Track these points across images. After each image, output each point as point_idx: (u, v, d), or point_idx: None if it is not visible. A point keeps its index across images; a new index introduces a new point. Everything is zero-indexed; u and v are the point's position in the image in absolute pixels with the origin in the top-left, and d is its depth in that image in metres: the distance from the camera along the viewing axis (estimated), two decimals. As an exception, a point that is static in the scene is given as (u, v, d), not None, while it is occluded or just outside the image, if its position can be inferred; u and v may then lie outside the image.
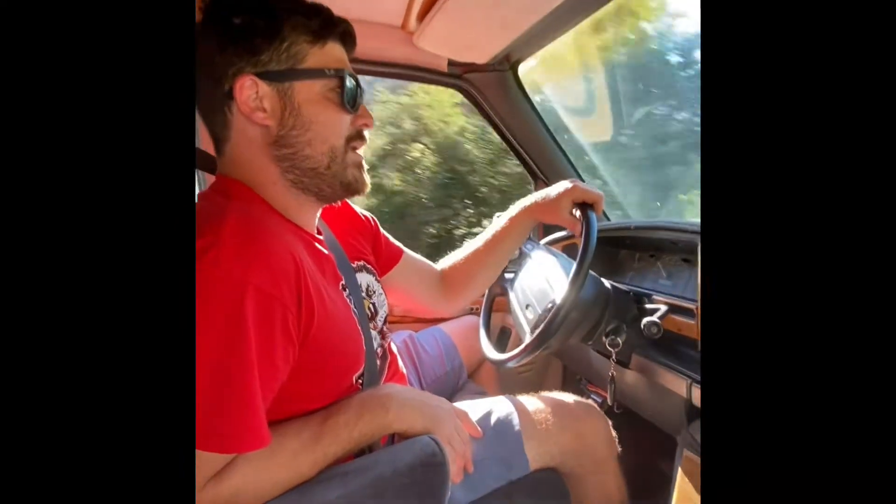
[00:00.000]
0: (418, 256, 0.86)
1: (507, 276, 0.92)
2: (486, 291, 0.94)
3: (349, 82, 0.55)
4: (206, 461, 0.44)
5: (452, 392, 0.94)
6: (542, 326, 0.67)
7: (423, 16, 0.95)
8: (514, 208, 0.81)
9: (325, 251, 0.60)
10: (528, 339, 0.70)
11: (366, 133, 0.59)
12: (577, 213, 0.74)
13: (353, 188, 0.58)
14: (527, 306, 0.80)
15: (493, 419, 0.66)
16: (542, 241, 1.14)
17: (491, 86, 1.18)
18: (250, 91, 0.52)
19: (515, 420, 0.66)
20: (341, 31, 0.56)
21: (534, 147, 1.26)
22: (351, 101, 0.56)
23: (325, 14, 0.55)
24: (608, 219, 1.27)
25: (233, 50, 0.52)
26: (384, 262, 0.79)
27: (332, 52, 0.56)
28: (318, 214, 0.63)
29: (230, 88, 0.52)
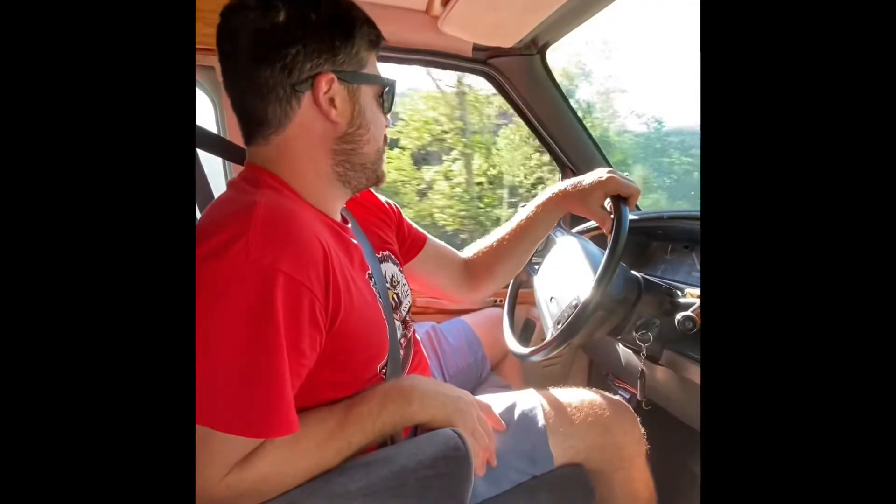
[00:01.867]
0: (442, 243, 0.84)
1: (534, 263, 0.89)
2: (511, 282, 0.92)
3: (392, 91, 0.60)
4: (233, 445, 0.44)
5: (475, 384, 0.93)
6: (565, 323, 0.65)
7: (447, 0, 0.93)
8: (542, 196, 0.77)
9: (353, 241, 0.60)
10: (550, 334, 0.68)
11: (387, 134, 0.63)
12: (609, 206, 0.70)
13: (381, 179, 0.62)
14: (551, 299, 0.78)
15: (516, 413, 0.65)
16: (574, 230, 1.11)
17: (517, 71, 1.15)
18: (326, 87, 0.53)
19: (540, 414, 0.64)
20: (373, 38, 0.58)
21: (562, 135, 1.22)
22: (388, 109, 0.61)
23: (376, 26, 0.58)
24: (639, 209, 1.23)
25: (315, 46, 0.52)
26: (408, 249, 0.78)
27: (374, 61, 0.59)
28: (344, 204, 0.62)
29: (310, 83, 0.52)
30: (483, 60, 1.13)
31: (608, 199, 0.70)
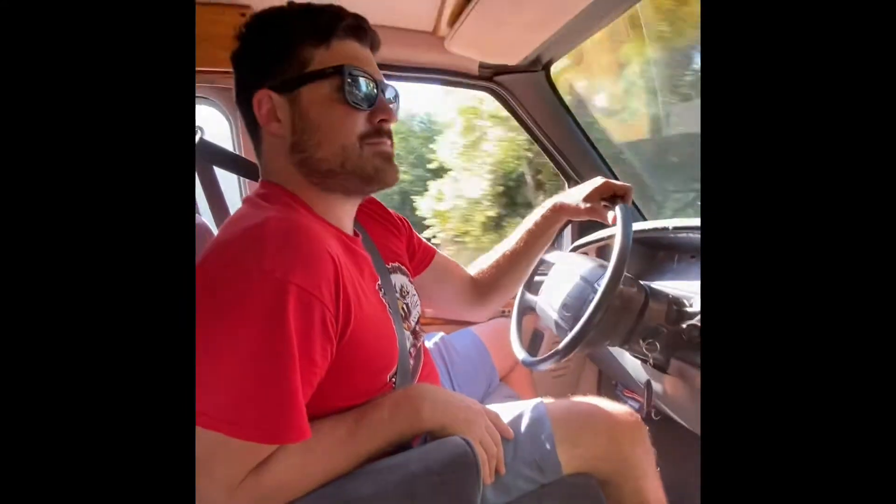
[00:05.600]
0: (450, 260, 0.86)
1: (537, 282, 0.91)
2: (518, 294, 0.93)
3: (351, 79, 0.54)
4: (248, 452, 0.45)
5: (484, 394, 0.93)
6: (573, 332, 0.66)
7: (453, 20, 0.96)
8: (541, 209, 0.80)
9: (363, 252, 0.61)
10: (568, 337, 0.68)
11: (387, 128, 0.58)
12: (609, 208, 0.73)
13: (377, 180, 0.58)
14: (558, 309, 0.78)
15: (525, 421, 0.65)
16: (575, 243, 1.12)
17: (523, 87, 1.18)
18: (266, 104, 0.55)
19: (548, 423, 0.64)
20: (348, 25, 0.56)
21: (568, 148, 1.24)
22: (356, 99, 0.55)
23: (329, 11, 0.55)
24: (643, 217, 1.24)
25: (248, 70, 0.57)
26: (418, 262, 0.80)
27: (341, 51, 0.55)
28: (353, 214, 0.64)
29: (250, 105, 0.56)
30: (489, 78, 1.16)
31: (605, 203, 0.74)
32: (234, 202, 0.82)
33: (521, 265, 0.83)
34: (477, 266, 0.87)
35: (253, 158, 0.64)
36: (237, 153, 0.95)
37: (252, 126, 0.59)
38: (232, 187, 0.98)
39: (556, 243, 0.92)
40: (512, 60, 1.11)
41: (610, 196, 0.73)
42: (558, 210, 0.79)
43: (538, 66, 1.15)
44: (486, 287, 0.85)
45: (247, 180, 0.95)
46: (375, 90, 0.57)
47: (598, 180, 0.75)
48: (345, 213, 0.62)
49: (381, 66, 0.60)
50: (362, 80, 0.55)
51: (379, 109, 0.57)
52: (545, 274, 0.90)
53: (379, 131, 0.57)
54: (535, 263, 0.84)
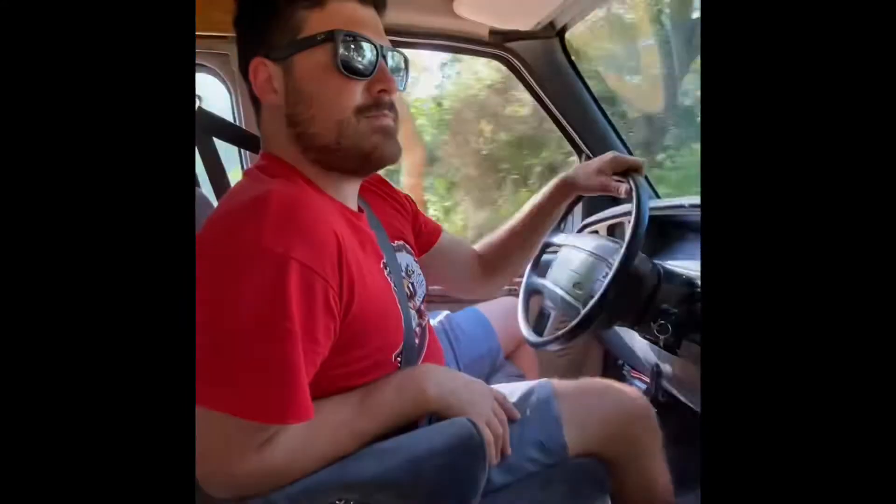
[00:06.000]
0: (456, 237, 0.85)
1: (544, 263, 0.89)
2: (526, 272, 0.91)
3: (345, 44, 0.50)
4: (251, 431, 0.45)
5: (489, 374, 0.93)
6: (584, 312, 0.64)
7: (463, -19, 0.91)
8: (549, 186, 0.78)
9: (367, 229, 0.60)
10: (580, 315, 0.67)
11: (387, 100, 0.53)
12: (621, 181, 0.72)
13: (376, 158, 0.54)
14: (568, 287, 0.77)
15: (531, 402, 0.65)
16: (585, 221, 1.09)
17: (535, 55, 1.12)
18: (263, 74, 0.53)
19: (554, 404, 0.64)
20: None
21: (581, 120, 1.20)
22: (351, 67, 0.50)
23: None
24: (658, 195, 1.20)
25: (244, 38, 0.54)
26: (423, 241, 0.78)
27: (337, 13, 0.51)
28: (357, 191, 0.62)
29: (247, 73, 0.54)
30: (500, 44, 1.11)
31: (617, 177, 0.72)
32: (234, 175, 0.80)
33: (528, 242, 0.81)
34: (483, 243, 0.85)
35: (254, 129, 0.61)
36: (237, 124, 0.92)
37: (253, 96, 0.57)
38: (232, 158, 0.96)
39: (563, 226, 0.90)
40: (524, 26, 1.06)
41: (622, 171, 0.71)
42: (568, 185, 0.76)
43: (552, 31, 1.09)
44: (492, 264, 0.83)
45: (248, 152, 0.93)
46: (375, 57, 0.52)
47: (608, 155, 0.73)
48: (348, 190, 0.60)
49: (386, 31, 0.56)
50: (359, 46, 0.51)
51: (378, 79, 0.52)
52: (553, 255, 0.88)
53: (378, 103, 0.53)
54: (542, 241, 0.83)
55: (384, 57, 0.53)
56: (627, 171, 0.71)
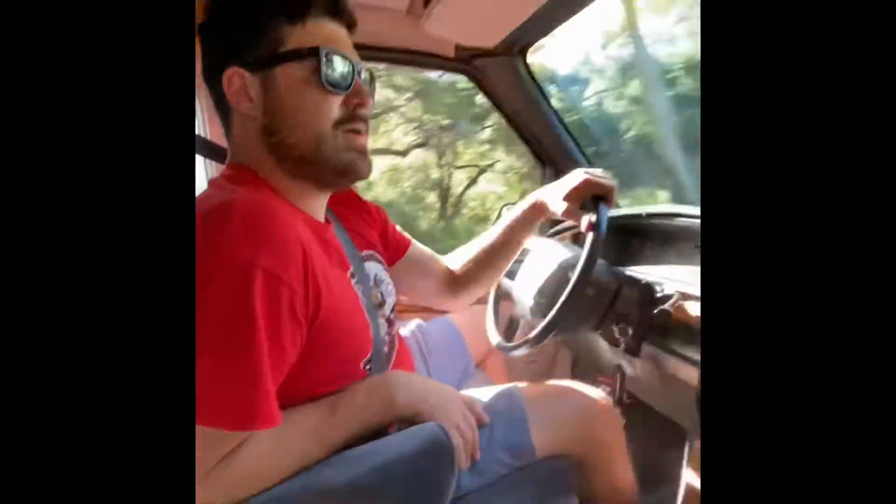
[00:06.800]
0: (427, 250, 0.85)
1: (512, 270, 0.91)
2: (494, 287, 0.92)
3: (327, 60, 0.52)
4: (217, 440, 0.44)
5: (460, 381, 0.94)
6: (548, 317, 0.66)
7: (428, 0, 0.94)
8: (523, 204, 0.79)
9: (334, 240, 0.60)
10: (541, 323, 0.69)
11: (363, 113, 0.56)
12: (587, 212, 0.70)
13: (350, 173, 0.56)
14: (533, 295, 0.79)
15: (499, 406, 0.66)
16: (553, 230, 1.13)
17: (499, 71, 1.16)
18: (237, 83, 0.53)
19: (522, 407, 0.65)
20: (324, 3, 0.54)
21: (543, 134, 1.24)
22: (332, 81, 0.53)
23: None
24: (618, 206, 1.25)
25: (216, 46, 0.54)
26: (392, 252, 0.78)
27: (318, 31, 0.53)
28: (325, 203, 0.62)
29: (219, 83, 0.54)
30: (466, 60, 1.14)
31: (587, 201, 0.70)
32: (199, 186, 0.79)
33: (499, 261, 0.81)
34: (455, 258, 0.85)
35: (219, 140, 0.61)
36: (202, 134, 0.91)
37: (221, 104, 0.56)
38: (197, 167, 0.94)
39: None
40: (488, 43, 1.09)
41: (593, 195, 0.69)
42: (538, 208, 0.77)
43: (515, 50, 1.14)
44: (462, 281, 0.83)
45: (212, 162, 0.91)
46: (351, 73, 0.55)
47: (579, 176, 0.70)
48: (316, 202, 0.60)
49: (355, 47, 0.58)
50: (338, 62, 0.53)
51: (354, 93, 0.55)
52: (522, 260, 0.90)
53: (354, 116, 0.56)
54: (513, 259, 0.83)
55: (358, 73, 0.56)
56: (596, 196, 0.69)
